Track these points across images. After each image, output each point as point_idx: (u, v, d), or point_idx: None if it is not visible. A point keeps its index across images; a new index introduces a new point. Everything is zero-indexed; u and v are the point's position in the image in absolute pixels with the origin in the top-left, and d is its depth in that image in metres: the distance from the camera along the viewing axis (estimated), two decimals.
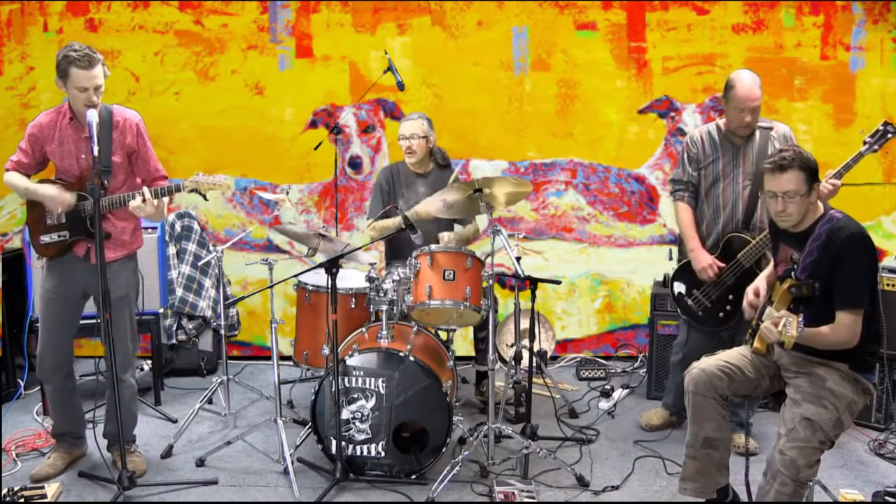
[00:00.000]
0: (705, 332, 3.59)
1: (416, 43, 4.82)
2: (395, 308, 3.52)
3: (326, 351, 3.38)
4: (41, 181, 3.19)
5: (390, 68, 4.22)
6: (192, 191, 3.10)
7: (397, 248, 4.04)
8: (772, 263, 2.95)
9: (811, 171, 2.59)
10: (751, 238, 3.38)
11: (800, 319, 2.37)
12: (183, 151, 4.87)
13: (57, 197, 3.10)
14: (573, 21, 4.79)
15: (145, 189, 3.07)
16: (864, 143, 3.17)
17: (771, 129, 3.45)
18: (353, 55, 4.83)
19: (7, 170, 3.21)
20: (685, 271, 3.61)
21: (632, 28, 4.79)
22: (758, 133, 3.44)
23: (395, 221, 3.89)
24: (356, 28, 4.82)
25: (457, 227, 4.10)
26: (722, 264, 3.46)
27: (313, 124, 4.89)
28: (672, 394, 3.77)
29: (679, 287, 3.65)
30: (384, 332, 3.32)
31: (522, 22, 4.80)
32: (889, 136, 3.08)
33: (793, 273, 2.63)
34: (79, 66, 2.95)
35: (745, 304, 2.90)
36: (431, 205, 3.59)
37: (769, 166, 2.62)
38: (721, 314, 3.51)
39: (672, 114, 4.82)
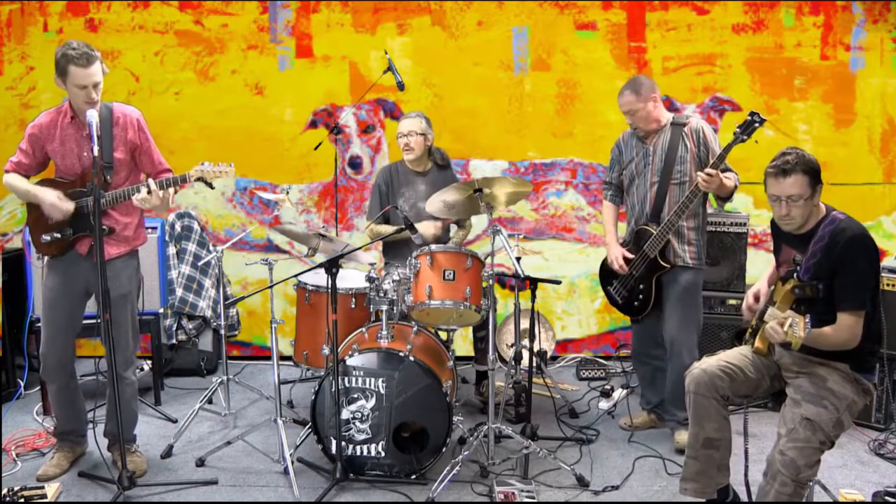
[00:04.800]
0: (635, 323, 3.80)
1: (416, 43, 4.82)
2: (395, 308, 3.52)
3: (326, 351, 3.38)
4: (42, 181, 3.19)
5: (390, 68, 4.21)
6: (198, 179, 3.11)
7: (396, 247, 4.04)
8: (773, 265, 2.95)
9: (814, 174, 2.58)
10: (653, 230, 3.49)
11: (807, 321, 2.36)
12: (183, 151, 4.86)
13: (57, 204, 3.09)
14: (573, 21, 4.79)
15: (150, 181, 3.07)
16: (734, 133, 3.14)
17: (685, 125, 3.49)
18: (353, 55, 4.84)
19: (6, 171, 3.20)
20: (605, 265, 3.78)
21: (632, 28, 4.79)
22: (669, 130, 3.51)
23: (391, 228, 3.89)
24: (356, 28, 4.82)
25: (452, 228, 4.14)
26: (630, 256, 3.62)
27: (313, 124, 4.89)
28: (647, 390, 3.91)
29: (603, 280, 3.83)
30: (384, 332, 3.32)
31: (522, 22, 4.80)
32: (756, 125, 3.06)
33: (795, 274, 2.62)
34: (77, 65, 2.95)
35: (744, 306, 2.90)
36: (433, 226, 3.85)
37: (772, 171, 2.61)
38: (636, 303, 3.66)
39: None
